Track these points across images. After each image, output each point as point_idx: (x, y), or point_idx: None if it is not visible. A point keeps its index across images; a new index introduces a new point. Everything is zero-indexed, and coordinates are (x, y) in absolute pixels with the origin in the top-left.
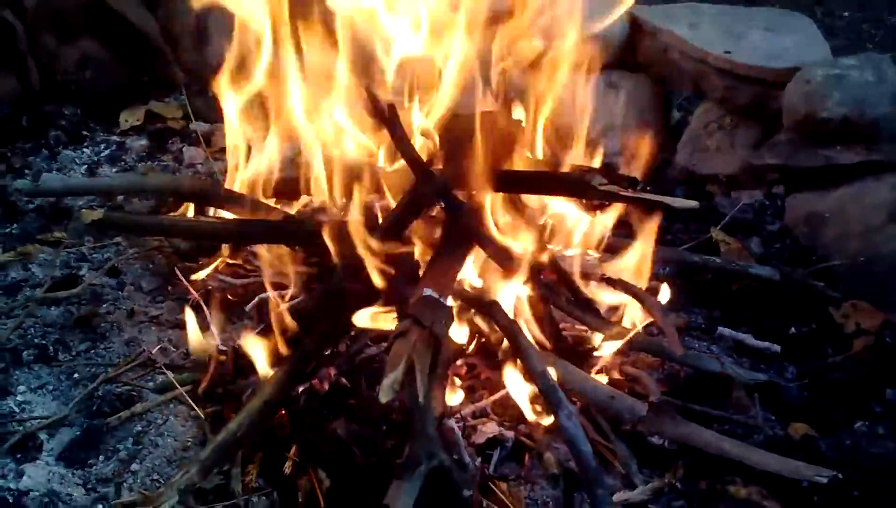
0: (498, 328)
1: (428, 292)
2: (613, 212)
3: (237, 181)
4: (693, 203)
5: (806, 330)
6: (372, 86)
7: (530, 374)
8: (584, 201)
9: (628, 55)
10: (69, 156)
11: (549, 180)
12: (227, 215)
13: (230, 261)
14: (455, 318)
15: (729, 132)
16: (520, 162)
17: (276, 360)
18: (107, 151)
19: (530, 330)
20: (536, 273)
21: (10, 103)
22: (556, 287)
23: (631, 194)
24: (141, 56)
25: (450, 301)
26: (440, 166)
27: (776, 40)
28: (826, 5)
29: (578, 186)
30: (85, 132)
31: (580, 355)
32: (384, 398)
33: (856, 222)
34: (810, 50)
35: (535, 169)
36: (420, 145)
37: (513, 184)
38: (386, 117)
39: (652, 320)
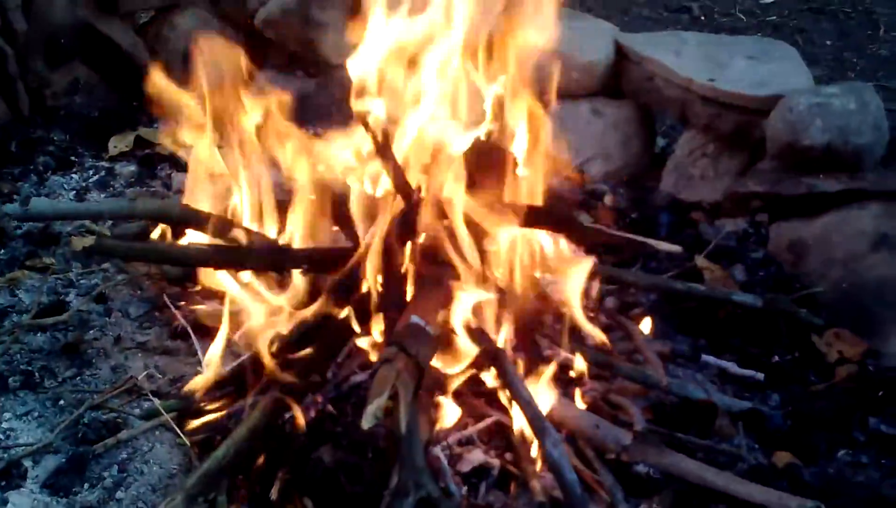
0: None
1: (415, 319)
2: None
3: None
4: (677, 248)
5: (789, 358)
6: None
7: (516, 401)
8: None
9: (613, 83)
10: (58, 181)
11: (537, 215)
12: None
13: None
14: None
15: (713, 160)
16: (511, 193)
17: (263, 387)
18: (96, 177)
19: (515, 357)
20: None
21: None
22: (540, 313)
23: (616, 233)
24: (130, 81)
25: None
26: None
27: (760, 68)
28: (808, 34)
29: (565, 223)
30: (74, 158)
31: (565, 382)
32: (366, 424)
33: (839, 250)
34: (793, 78)
35: (523, 204)
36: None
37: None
38: (378, 143)
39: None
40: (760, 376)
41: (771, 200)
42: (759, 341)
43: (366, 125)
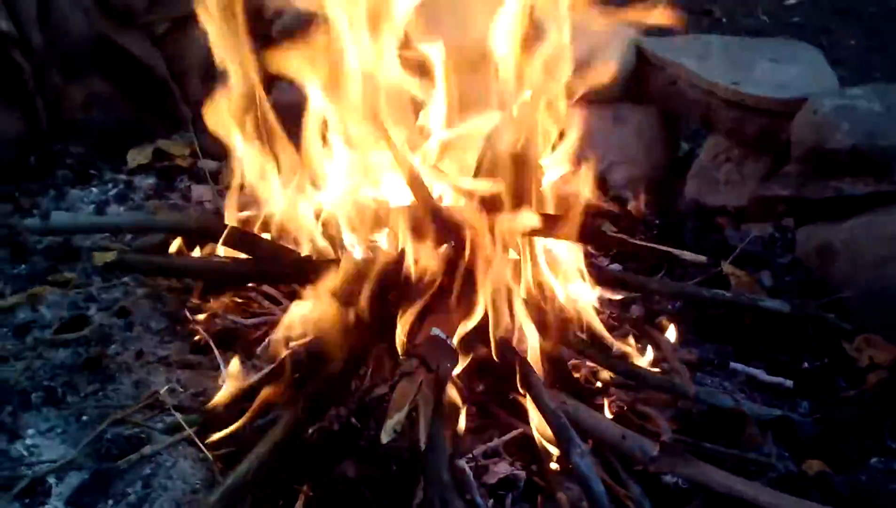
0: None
1: (436, 331)
2: None
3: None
4: (702, 258)
5: (819, 365)
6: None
7: (542, 412)
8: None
9: (636, 88)
10: (77, 195)
11: (560, 225)
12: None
13: (239, 300)
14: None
15: (738, 164)
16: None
17: (287, 402)
18: (114, 190)
19: (540, 368)
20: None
21: (17, 143)
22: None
23: (640, 242)
24: (148, 93)
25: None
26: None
27: (784, 71)
28: (833, 35)
29: (588, 233)
30: (92, 171)
31: (591, 393)
32: (385, 438)
33: (867, 254)
34: (818, 80)
35: (546, 212)
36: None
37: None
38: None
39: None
40: (789, 383)
41: (797, 204)
42: (787, 347)
43: (386, 136)
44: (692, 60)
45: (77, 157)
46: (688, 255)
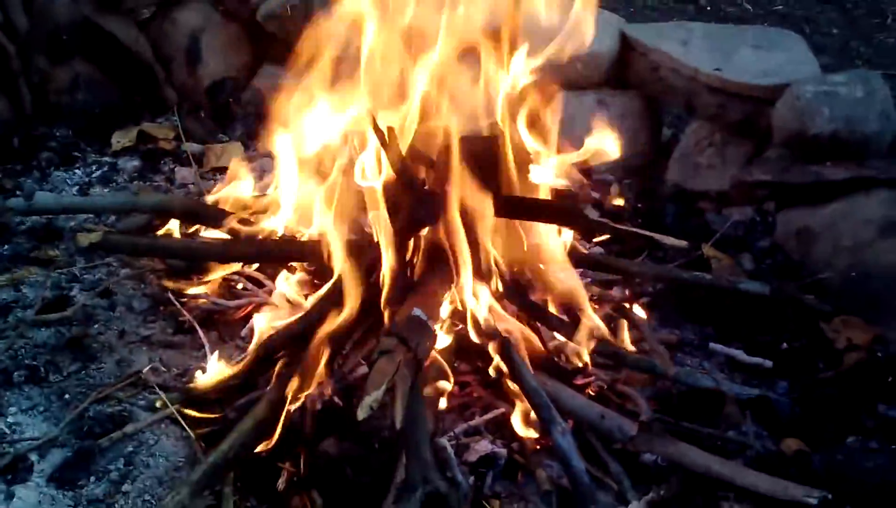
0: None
1: (417, 312)
2: None
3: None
4: (683, 243)
5: (798, 345)
6: (375, 108)
7: (523, 390)
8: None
9: (619, 73)
10: (61, 177)
11: (544, 209)
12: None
13: (222, 281)
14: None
15: (720, 149)
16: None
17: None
18: (98, 172)
19: (521, 348)
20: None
21: (1, 125)
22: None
23: (622, 227)
24: (133, 77)
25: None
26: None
27: (766, 58)
28: (815, 23)
29: (571, 217)
30: (76, 153)
31: (569, 373)
32: (362, 415)
33: (847, 238)
34: (800, 67)
35: (531, 197)
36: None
37: (509, 209)
38: (385, 140)
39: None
40: (768, 363)
41: (778, 188)
42: (767, 328)
43: (373, 122)
44: (676, 47)
45: (61, 139)
46: (669, 239)
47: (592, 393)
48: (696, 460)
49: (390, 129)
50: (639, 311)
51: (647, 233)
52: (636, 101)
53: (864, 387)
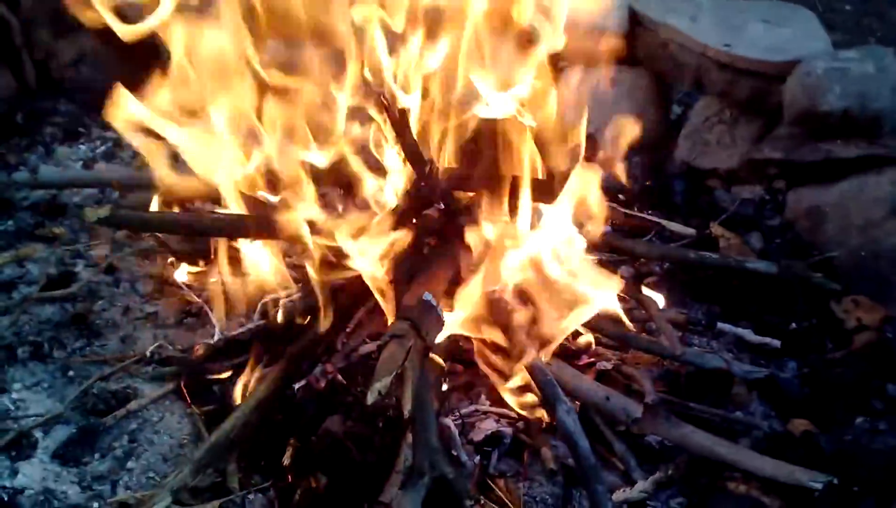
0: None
1: (427, 296)
2: None
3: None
4: (690, 231)
5: (806, 325)
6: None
7: (529, 370)
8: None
9: (628, 49)
10: (65, 152)
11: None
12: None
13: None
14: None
15: (729, 126)
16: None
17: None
18: (102, 148)
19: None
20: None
21: (5, 100)
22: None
23: (630, 212)
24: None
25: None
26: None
27: (776, 33)
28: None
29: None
30: (81, 129)
31: (573, 354)
32: (370, 399)
33: (857, 217)
34: (811, 43)
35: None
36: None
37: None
38: (397, 120)
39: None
40: (777, 343)
41: (788, 166)
42: (775, 308)
43: (383, 101)
44: (684, 22)
45: (65, 114)
46: (676, 226)
47: (598, 374)
48: (701, 442)
49: (402, 111)
50: (659, 292)
51: (655, 219)
52: (645, 77)
53: (874, 368)
